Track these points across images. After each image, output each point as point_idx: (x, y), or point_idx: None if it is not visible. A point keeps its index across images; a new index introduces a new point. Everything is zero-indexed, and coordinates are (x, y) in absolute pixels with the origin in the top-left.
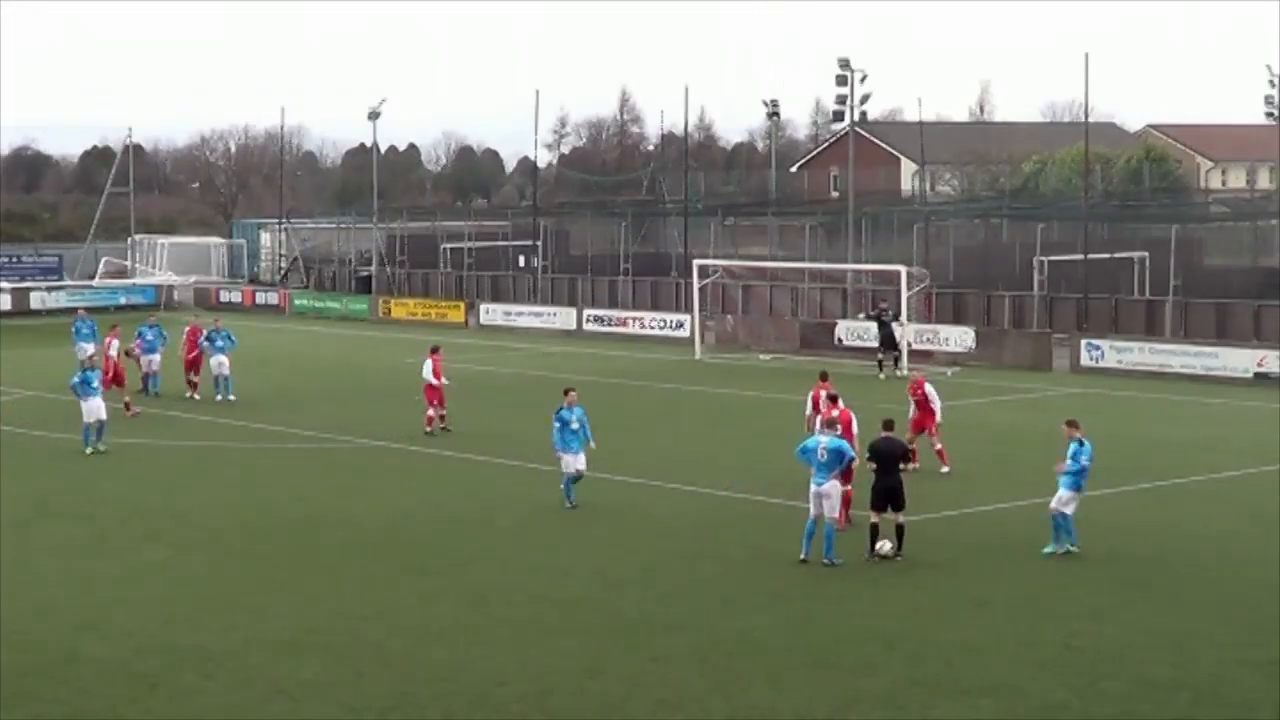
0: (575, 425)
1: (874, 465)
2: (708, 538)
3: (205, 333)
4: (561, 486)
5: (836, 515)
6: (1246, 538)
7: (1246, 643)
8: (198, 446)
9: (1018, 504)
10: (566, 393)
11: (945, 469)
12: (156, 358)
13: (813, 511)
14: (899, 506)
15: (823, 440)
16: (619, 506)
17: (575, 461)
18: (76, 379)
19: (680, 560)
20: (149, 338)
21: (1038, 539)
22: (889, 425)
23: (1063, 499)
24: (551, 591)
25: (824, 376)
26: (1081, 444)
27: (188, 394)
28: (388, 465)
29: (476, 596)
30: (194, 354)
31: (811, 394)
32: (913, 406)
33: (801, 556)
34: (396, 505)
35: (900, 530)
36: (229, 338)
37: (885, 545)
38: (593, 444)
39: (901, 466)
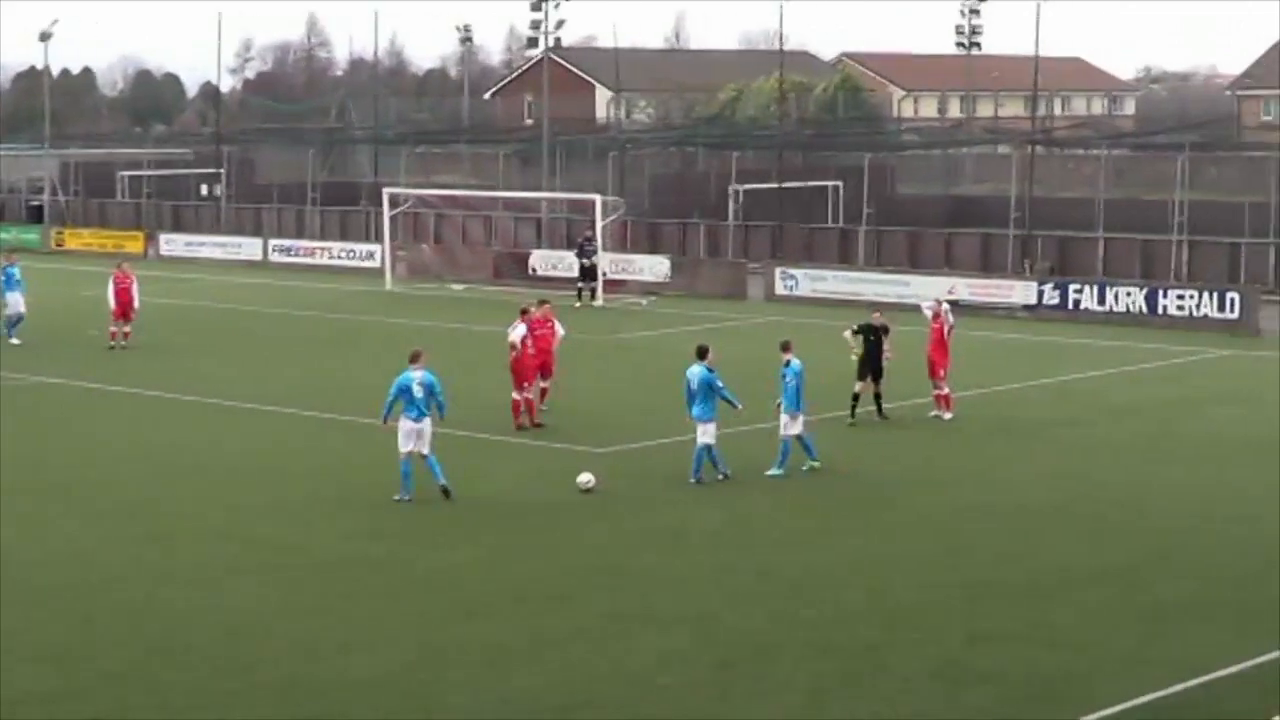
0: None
1: None
2: (399, 471)
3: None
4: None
5: (708, 441)
6: (943, 461)
7: (942, 565)
8: None
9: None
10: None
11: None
12: (19, 297)
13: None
14: None
15: (691, 371)
16: (308, 443)
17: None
18: None
19: (369, 495)
20: (17, 277)
21: (734, 468)
22: None
23: (785, 423)
24: (237, 530)
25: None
26: (789, 364)
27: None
28: (65, 403)
29: (158, 536)
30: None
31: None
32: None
33: (718, 478)
34: (74, 444)
35: None
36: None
37: (588, 480)
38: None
39: None
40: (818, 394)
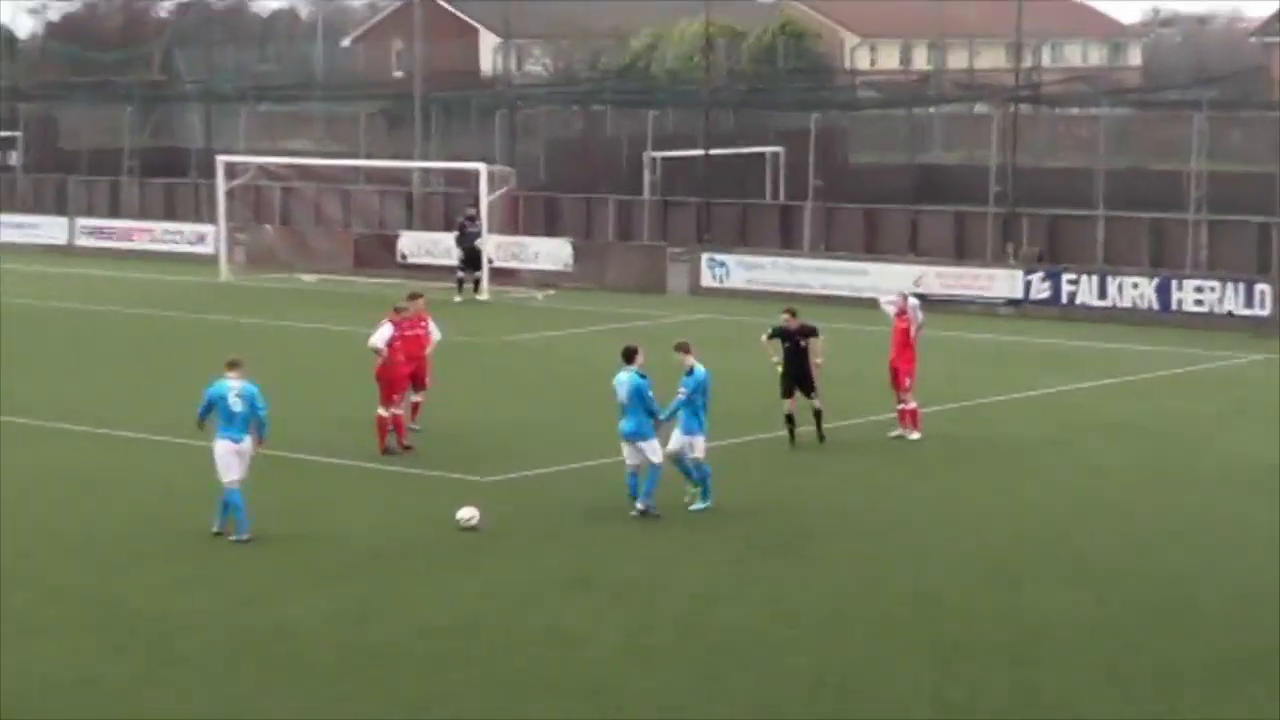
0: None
1: None
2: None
3: None
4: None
5: (655, 460)
6: (907, 492)
7: (905, 621)
8: None
9: (618, 458)
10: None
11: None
12: None
13: (628, 461)
14: None
15: (619, 378)
16: (120, 470)
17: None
18: None
19: (195, 535)
20: None
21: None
22: None
23: (690, 444)
24: (30, 577)
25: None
26: (691, 372)
27: None
28: None
29: None
30: None
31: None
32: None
33: (634, 512)
34: None
35: None
36: None
37: (471, 515)
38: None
39: None
40: (753, 411)
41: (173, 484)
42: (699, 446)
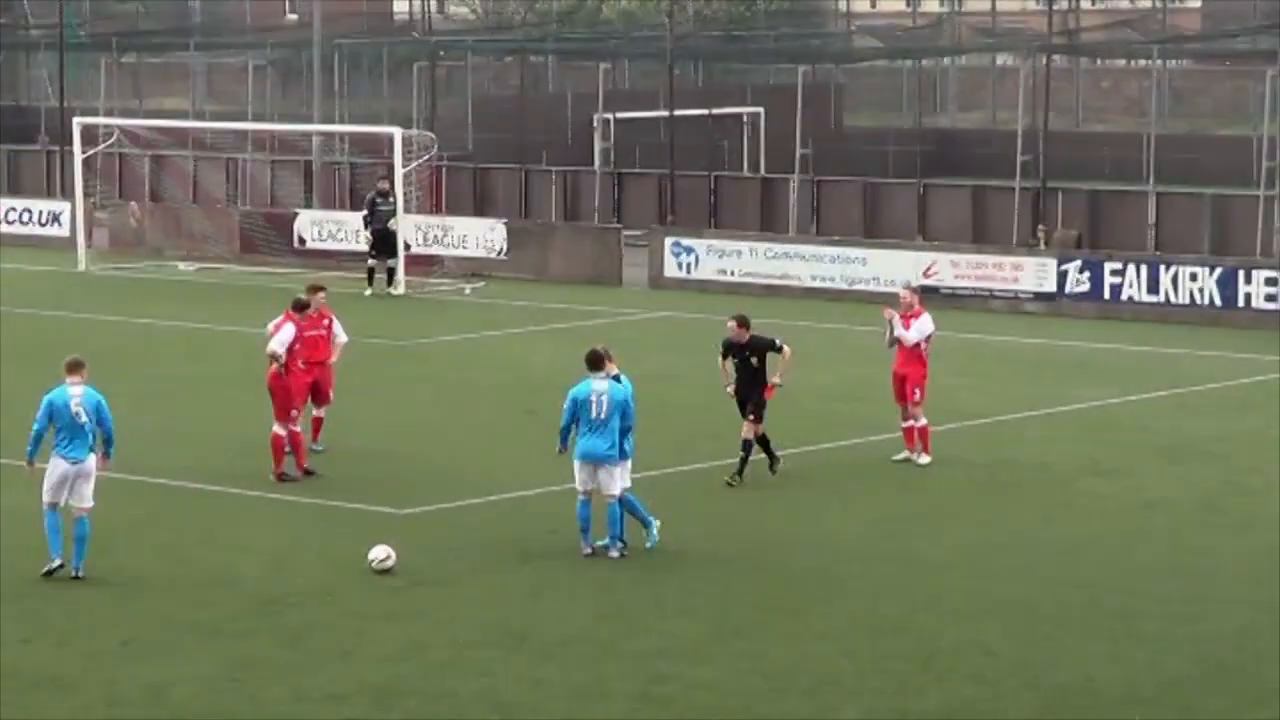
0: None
1: None
2: (98, 550)
3: None
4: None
5: (616, 492)
6: (913, 527)
7: (913, 683)
8: None
9: (567, 485)
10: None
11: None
12: None
13: (581, 488)
14: None
15: (596, 386)
16: None
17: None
18: None
19: (50, 582)
20: None
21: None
22: None
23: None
24: None
25: (314, 285)
26: (618, 380)
27: None
28: None
29: None
30: None
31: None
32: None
33: (586, 551)
34: None
35: None
36: None
37: (385, 556)
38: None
39: None
40: (722, 432)
41: (20, 518)
42: (623, 474)
